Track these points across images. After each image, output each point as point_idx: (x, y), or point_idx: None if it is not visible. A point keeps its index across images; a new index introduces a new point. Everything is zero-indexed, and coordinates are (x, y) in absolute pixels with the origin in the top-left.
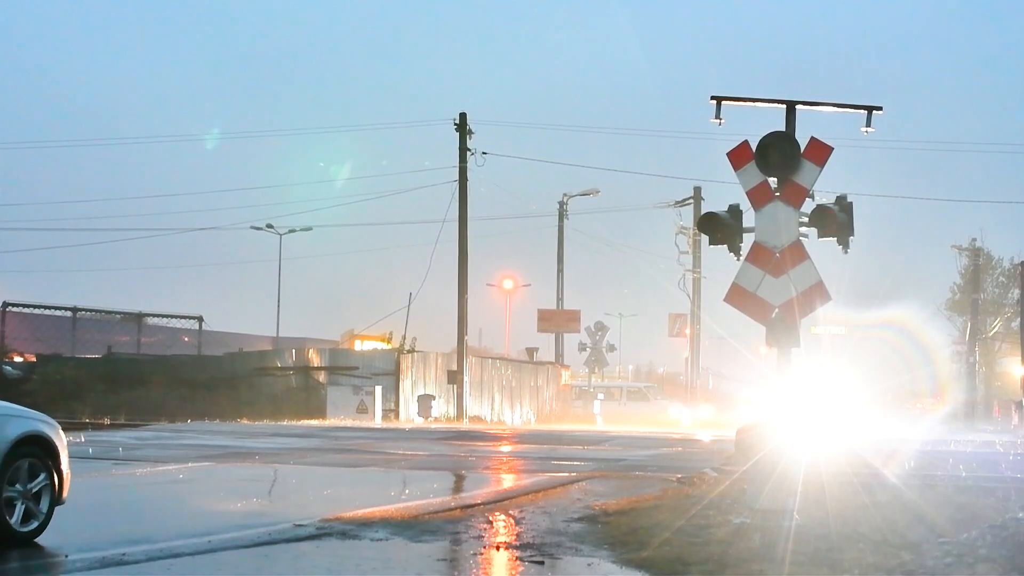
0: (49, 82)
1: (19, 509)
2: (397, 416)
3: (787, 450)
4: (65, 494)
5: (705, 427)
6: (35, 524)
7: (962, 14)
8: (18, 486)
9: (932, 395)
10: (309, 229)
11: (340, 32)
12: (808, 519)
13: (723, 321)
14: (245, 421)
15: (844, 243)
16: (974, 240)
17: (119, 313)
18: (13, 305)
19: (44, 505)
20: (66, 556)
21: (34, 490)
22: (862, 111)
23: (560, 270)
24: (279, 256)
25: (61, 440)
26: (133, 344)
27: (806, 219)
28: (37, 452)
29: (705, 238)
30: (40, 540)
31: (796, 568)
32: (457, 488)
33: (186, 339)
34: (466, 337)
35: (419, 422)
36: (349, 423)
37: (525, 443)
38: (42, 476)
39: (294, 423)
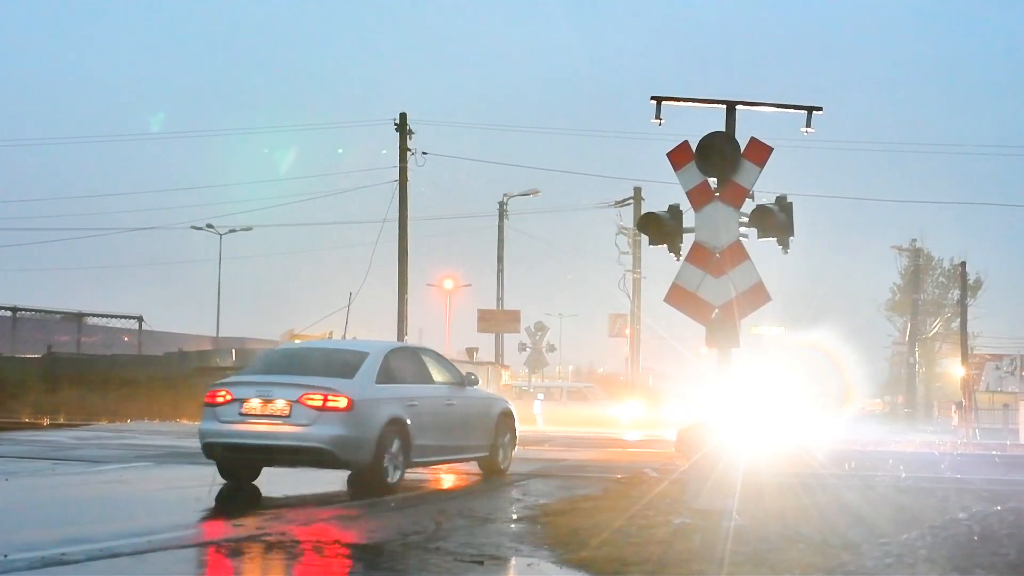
0: None
1: (502, 454)
2: None
3: (726, 450)
4: (515, 448)
5: (645, 427)
6: (507, 463)
7: (905, 15)
8: (500, 439)
9: (870, 397)
10: (249, 229)
11: (281, 31)
12: (748, 519)
13: (663, 321)
14: (185, 421)
15: (784, 243)
16: (914, 241)
17: (59, 313)
18: None
19: (509, 452)
20: (4, 556)
21: (507, 442)
22: (802, 111)
23: (500, 270)
24: (219, 256)
25: (515, 413)
26: (73, 344)
27: (746, 219)
28: (508, 420)
29: (645, 238)
30: None
31: (736, 568)
32: None
33: (126, 339)
34: (406, 337)
35: None
36: None
37: None
38: (509, 436)
39: None
